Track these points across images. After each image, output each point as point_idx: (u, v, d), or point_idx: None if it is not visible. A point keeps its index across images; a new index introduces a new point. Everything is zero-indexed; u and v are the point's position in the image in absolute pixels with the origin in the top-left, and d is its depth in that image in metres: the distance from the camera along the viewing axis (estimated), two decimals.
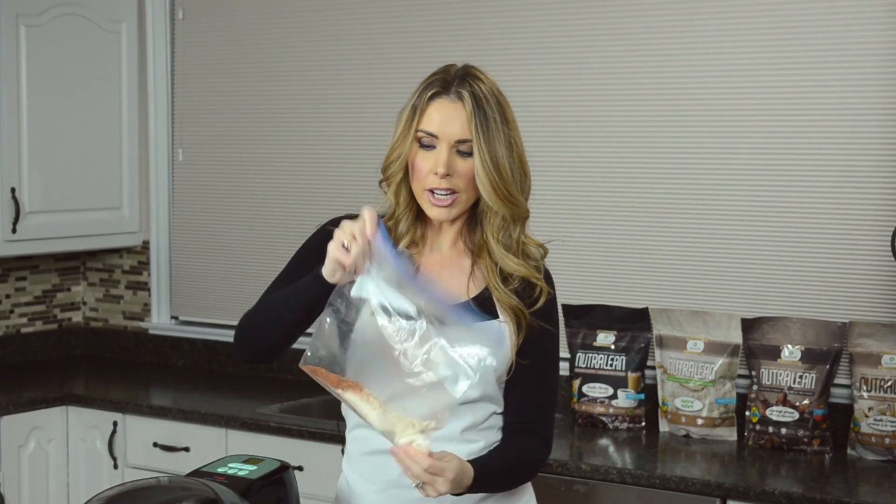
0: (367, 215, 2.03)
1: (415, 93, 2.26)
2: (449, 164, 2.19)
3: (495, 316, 2.24)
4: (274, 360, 2.28)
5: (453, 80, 2.23)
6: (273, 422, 3.90)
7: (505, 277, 2.27)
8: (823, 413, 3.51)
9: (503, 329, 2.22)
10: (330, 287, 2.07)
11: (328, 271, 2.07)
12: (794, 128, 3.65)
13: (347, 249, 2.02)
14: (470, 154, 2.21)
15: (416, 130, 2.22)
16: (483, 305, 2.23)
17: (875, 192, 3.55)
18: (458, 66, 2.27)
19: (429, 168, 2.21)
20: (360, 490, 2.31)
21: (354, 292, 2.03)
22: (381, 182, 2.30)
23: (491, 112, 2.21)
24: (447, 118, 2.20)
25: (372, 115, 4.35)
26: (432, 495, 2.07)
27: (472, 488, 2.14)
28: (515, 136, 2.24)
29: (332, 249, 2.04)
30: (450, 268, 2.29)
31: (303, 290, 2.14)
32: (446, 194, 2.21)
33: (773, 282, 3.71)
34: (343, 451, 2.39)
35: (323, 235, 2.20)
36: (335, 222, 2.19)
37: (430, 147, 2.21)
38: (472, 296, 2.25)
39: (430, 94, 2.23)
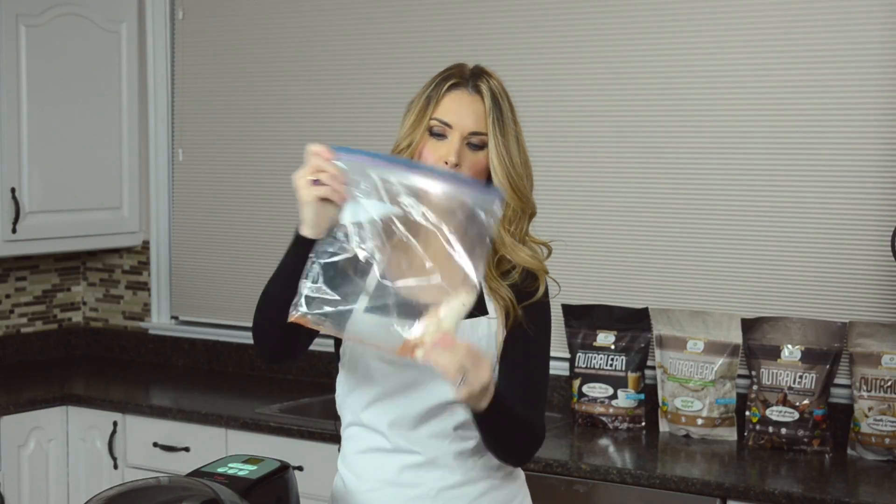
0: (314, 147, 2.04)
1: (428, 85, 2.28)
2: (459, 154, 2.22)
3: (483, 311, 2.24)
4: (295, 354, 2.23)
5: (470, 76, 2.27)
6: (273, 422, 3.90)
7: (504, 272, 2.27)
8: (823, 413, 3.51)
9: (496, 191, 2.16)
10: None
11: (310, 223, 2.06)
12: (793, 128, 3.65)
13: (319, 183, 2.02)
14: (480, 147, 2.24)
15: (430, 119, 2.24)
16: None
17: (875, 192, 3.55)
18: (470, 65, 2.31)
19: (438, 157, 2.21)
20: (356, 489, 2.31)
21: (349, 219, 2.02)
22: None
23: (506, 109, 2.26)
24: (463, 109, 2.24)
25: (372, 115, 4.35)
26: (474, 388, 2.00)
27: (491, 406, 2.08)
28: (522, 135, 2.28)
29: (307, 192, 2.04)
30: (443, 260, 2.27)
31: (292, 259, 2.11)
32: None
33: (773, 282, 3.70)
34: (339, 450, 2.39)
35: None
36: None
37: (441, 136, 2.23)
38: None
39: (447, 85, 2.26)
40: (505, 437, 2.20)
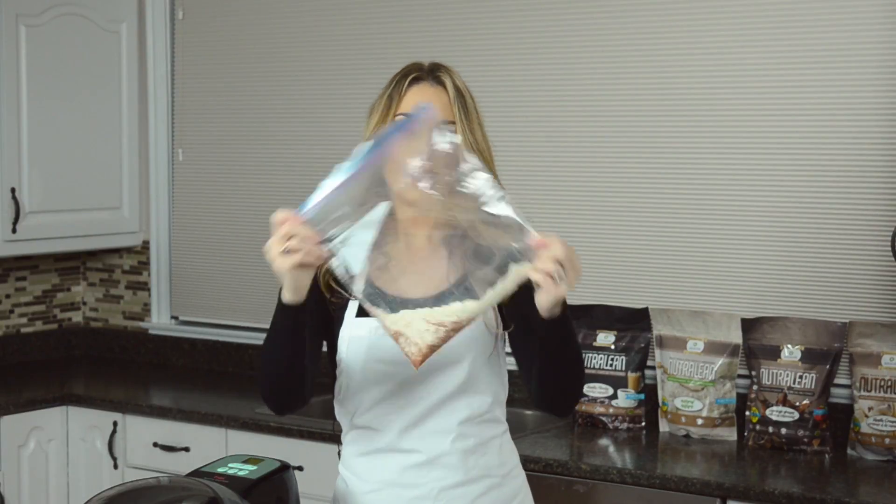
0: (279, 214, 2.04)
1: (388, 84, 2.29)
2: None
3: (475, 297, 2.23)
4: (304, 402, 2.25)
5: (429, 70, 2.28)
6: (273, 422, 3.90)
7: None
8: (823, 413, 3.51)
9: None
10: (300, 310, 2.06)
11: (291, 290, 2.04)
12: (793, 128, 3.65)
13: (291, 251, 1.99)
14: None
15: (396, 115, 2.24)
16: (464, 289, 2.18)
17: (875, 192, 3.55)
18: (426, 62, 2.32)
19: None
20: (357, 490, 2.32)
21: (341, 272, 2.01)
22: None
23: (469, 99, 2.28)
24: (428, 100, 2.23)
25: None
26: (571, 285, 2.01)
27: (563, 313, 2.09)
28: (483, 125, 2.30)
29: (280, 262, 2.00)
30: (426, 259, 2.25)
31: (281, 321, 2.11)
32: None
33: (773, 282, 3.70)
34: (339, 454, 2.39)
35: None
36: None
37: None
38: (452, 282, 2.19)
39: (409, 80, 2.26)
40: (570, 354, 2.18)
